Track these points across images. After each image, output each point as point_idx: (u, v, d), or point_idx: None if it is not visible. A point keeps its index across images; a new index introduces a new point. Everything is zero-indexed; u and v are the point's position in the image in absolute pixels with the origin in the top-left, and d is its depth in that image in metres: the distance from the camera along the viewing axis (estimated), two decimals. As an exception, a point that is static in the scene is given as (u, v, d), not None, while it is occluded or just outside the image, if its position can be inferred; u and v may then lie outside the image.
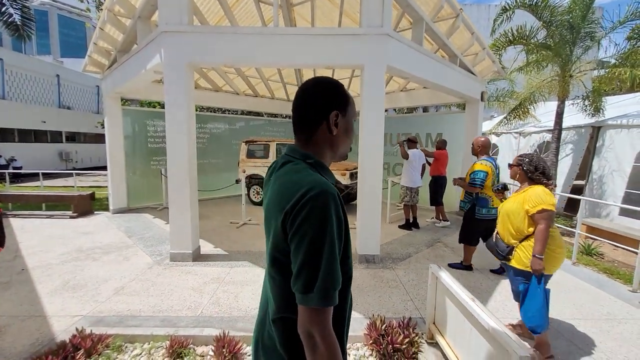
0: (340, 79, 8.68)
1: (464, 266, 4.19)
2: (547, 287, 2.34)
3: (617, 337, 2.75)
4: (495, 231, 2.70)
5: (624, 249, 5.19)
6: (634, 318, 3.07)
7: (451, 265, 4.24)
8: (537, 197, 2.32)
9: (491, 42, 7.51)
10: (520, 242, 2.43)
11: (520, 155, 2.55)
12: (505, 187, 3.02)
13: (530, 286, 2.30)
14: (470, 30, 5.60)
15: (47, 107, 20.88)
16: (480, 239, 3.95)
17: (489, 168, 3.73)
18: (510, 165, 2.59)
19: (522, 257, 2.39)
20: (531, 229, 2.36)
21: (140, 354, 2.50)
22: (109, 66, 6.54)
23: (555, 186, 2.60)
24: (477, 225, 3.92)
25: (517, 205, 2.43)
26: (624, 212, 6.05)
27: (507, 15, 7.02)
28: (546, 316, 2.26)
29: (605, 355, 2.50)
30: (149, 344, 2.60)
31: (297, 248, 0.78)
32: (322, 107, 0.93)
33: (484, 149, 3.95)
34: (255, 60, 4.26)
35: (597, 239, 5.12)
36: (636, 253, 3.78)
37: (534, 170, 2.42)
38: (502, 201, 3.05)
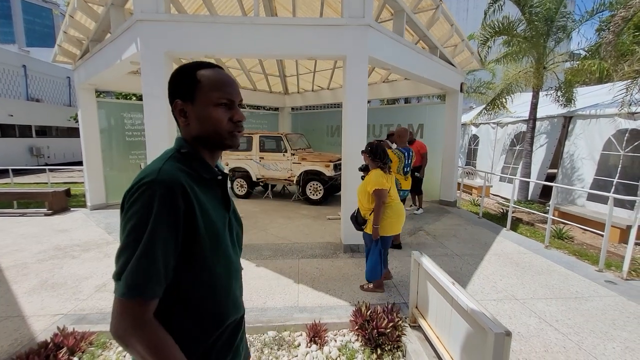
0: (322, 70, 8.65)
1: (394, 245, 4.56)
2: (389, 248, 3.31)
3: (585, 313, 2.95)
4: (357, 207, 3.29)
5: (591, 232, 5.52)
6: (599, 295, 3.29)
7: None
8: (372, 179, 3.00)
9: (478, 32, 7.66)
10: (370, 214, 3.08)
11: (368, 144, 3.13)
12: (366, 168, 3.36)
13: (372, 247, 3.07)
14: (449, 22, 5.68)
15: (14, 99, 19.72)
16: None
17: (395, 157, 4.30)
18: (362, 152, 3.20)
19: (370, 226, 3.08)
20: (373, 205, 3.03)
21: (126, 349, 2.48)
22: (80, 56, 6.24)
23: (390, 168, 3.09)
24: None
25: (363, 187, 3.10)
26: (592, 198, 6.40)
27: (498, 5, 7.17)
28: (379, 270, 3.11)
29: (573, 330, 2.68)
30: (134, 339, 2.57)
31: (121, 233, 0.76)
32: (169, 98, 0.90)
33: (399, 138, 4.52)
34: (235, 51, 4.18)
35: (568, 224, 5.41)
36: (602, 236, 4.03)
37: (374, 157, 3.05)
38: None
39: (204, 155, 0.91)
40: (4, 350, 2.39)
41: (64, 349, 2.31)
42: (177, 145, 0.89)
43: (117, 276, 0.73)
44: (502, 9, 7.13)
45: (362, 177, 3.31)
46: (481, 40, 7.40)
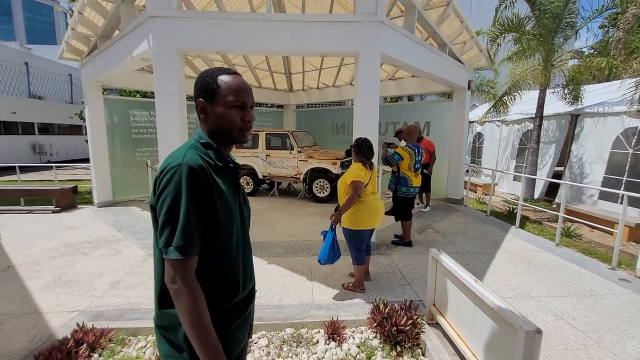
0: (329, 67, 8.62)
1: (405, 242, 4.60)
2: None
3: (601, 311, 2.95)
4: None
5: (600, 229, 5.51)
6: (614, 293, 3.29)
7: (394, 242, 4.69)
8: (351, 172, 3.08)
9: (488, 29, 7.62)
10: None
11: (356, 139, 3.22)
12: (348, 153, 3.44)
13: (328, 231, 3.12)
14: (460, 19, 5.65)
15: (17, 97, 19.67)
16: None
17: (406, 154, 4.29)
18: (351, 146, 3.28)
19: (345, 218, 3.12)
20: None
21: (145, 346, 2.48)
22: (88, 53, 6.22)
23: (372, 164, 3.16)
24: (402, 202, 4.48)
25: (343, 178, 3.17)
26: (603, 196, 6.39)
27: (510, 2, 7.14)
28: (329, 254, 3.07)
29: (591, 328, 2.68)
30: (153, 335, 2.57)
31: (159, 209, 0.91)
32: (194, 95, 1.05)
33: (408, 135, 4.48)
34: (247, 47, 4.16)
35: (577, 221, 5.40)
36: (611, 234, 4.03)
37: (357, 151, 3.14)
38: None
39: (219, 146, 1.06)
40: (23, 347, 2.39)
41: (84, 346, 2.32)
42: (197, 136, 1.05)
43: (167, 244, 0.89)
44: (514, 5, 7.09)
45: (347, 165, 3.31)
46: (491, 37, 7.36)
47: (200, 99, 1.03)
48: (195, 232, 0.91)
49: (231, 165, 1.08)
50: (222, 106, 1.01)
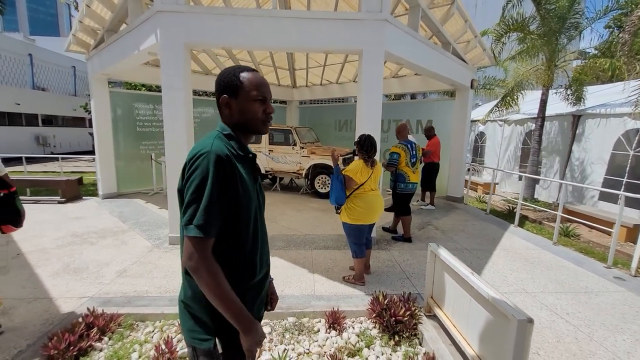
0: (332, 64, 8.66)
1: (405, 238, 4.69)
2: None
3: (595, 307, 3.03)
4: None
5: (598, 229, 5.57)
6: (608, 291, 3.37)
7: (394, 238, 4.77)
8: (350, 165, 3.24)
9: (493, 28, 7.65)
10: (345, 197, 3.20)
11: (360, 136, 3.34)
12: (354, 153, 3.48)
13: (332, 180, 3.20)
14: (464, 18, 5.68)
15: (21, 88, 19.77)
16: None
17: (401, 150, 4.43)
18: (355, 143, 3.37)
19: (344, 213, 3.22)
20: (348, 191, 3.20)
21: (153, 331, 2.58)
22: (95, 46, 6.28)
23: (375, 161, 3.25)
24: (401, 198, 4.58)
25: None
26: (604, 197, 6.45)
27: (517, 0, 7.18)
28: (335, 195, 3.15)
29: (584, 323, 2.76)
30: (160, 321, 2.67)
31: (186, 191, 1.00)
32: (217, 92, 1.14)
33: (399, 133, 4.61)
34: (253, 43, 4.21)
35: (576, 221, 5.47)
36: (609, 234, 4.10)
37: (360, 148, 3.25)
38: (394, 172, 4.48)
39: (239, 137, 1.14)
40: (36, 329, 2.49)
41: (95, 329, 2.41)
42: (220, 129, 1.14)
43: (189, 222, 0.98)
44: (521, 4, 7.12)
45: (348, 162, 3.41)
46: (496, 36, 7.39)
47: (225, 95, 1.12)
48: (216, 214, 0.99)
49: (250, 155, 1.17)
50: (246, 101, 1.10)
